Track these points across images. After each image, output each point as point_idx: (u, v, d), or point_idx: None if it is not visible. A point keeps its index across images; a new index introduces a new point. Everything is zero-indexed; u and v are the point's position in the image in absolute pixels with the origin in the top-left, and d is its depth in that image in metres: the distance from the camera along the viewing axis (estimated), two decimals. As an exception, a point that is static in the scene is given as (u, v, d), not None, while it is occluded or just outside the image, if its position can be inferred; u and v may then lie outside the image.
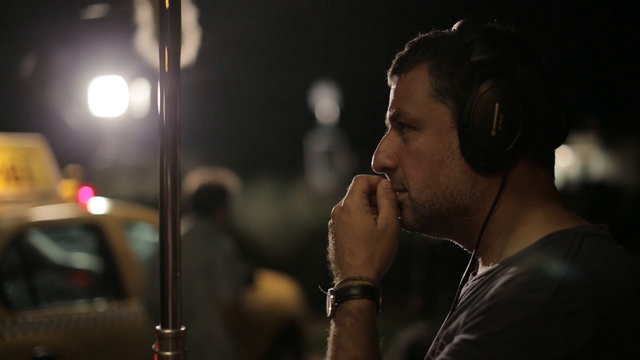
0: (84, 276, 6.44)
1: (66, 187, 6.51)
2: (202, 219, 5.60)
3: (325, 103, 25.87)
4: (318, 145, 25.26)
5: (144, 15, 7.83)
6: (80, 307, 5.91)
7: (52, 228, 6.32)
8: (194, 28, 8.08)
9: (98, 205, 6.54)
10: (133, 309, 6.07)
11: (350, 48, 25.22)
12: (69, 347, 5.50)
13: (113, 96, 14.02)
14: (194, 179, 5.79)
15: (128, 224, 6.68)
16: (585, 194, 19.70)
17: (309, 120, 25.73)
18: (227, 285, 5.40)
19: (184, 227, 5.52)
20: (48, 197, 6.35)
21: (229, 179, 5.81)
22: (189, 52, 8.04)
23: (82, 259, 6.56)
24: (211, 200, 5.62)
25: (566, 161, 26.82)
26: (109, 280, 6.28)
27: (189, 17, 7.96)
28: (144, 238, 7.01)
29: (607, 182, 24.13)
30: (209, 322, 5.42)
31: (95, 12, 11.22)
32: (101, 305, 6.02)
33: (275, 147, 23.97)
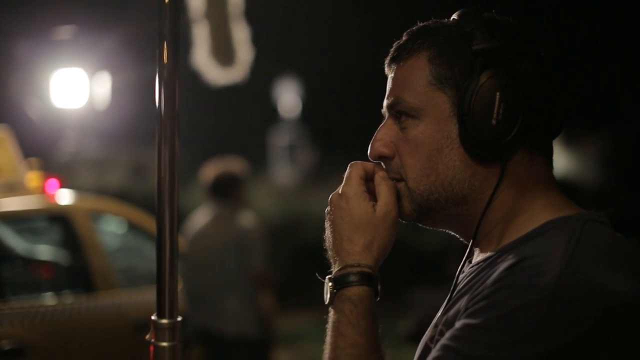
0: (50, 268, 6.37)
1: (33, 178, 6.45)
2: (223, 203, 6.43)
3: (288, 97, 25.82)
4: (280, 139, 25.22)
5: (201, 31, 7.90)
6: (47, 300, 5.85)
7: (18, 219, 6.26)
8: (247, 46, 8.15)
9: (65, 197, 6.49)
10: (100, 302, 6.03)
11: (312, 42, 25.19)
12: (35, 340, 5.45)
13: (74, 88, 13.91)
14: (209, 170, 6.57)
15: (95, 216, 6.63)
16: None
17: (271, 114, 25.66)
18: (260, 255, 6.30)
19: (206, 213, 6.51)
20: (14, 188, 6.27)
21: (239, 165, 6.63)
22: (239, 70, 8.18)
23: (48, 251, 6.49)
24: (228, 186, 6.43)
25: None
26: (76, 272, 6.22)
27: (242, 35, 8.08)
28: (111, 230, 6.97)
29: (568, 179, 24.31)
30: (245, 293, 6.27)
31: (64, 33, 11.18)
32: (68, 298, 5.97)
33: (237, 141, 23.88)
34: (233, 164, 6.62)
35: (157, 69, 1.68)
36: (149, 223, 6.71)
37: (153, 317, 1.70)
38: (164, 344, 1.69)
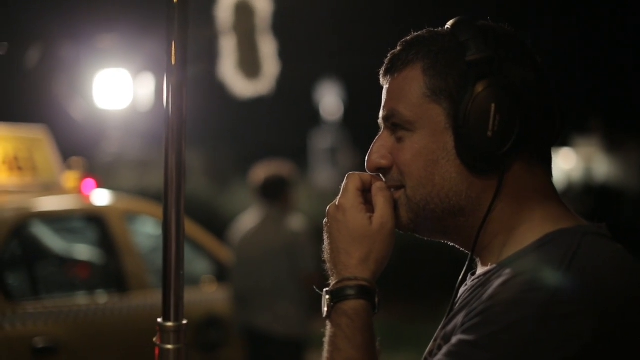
0: (85, 268, 6.43)
1: (69, 179, 6.50)
2: (272, 205, 6.46)
3: (330, 100, 25.86)
4: (322, 142, 25.25)
5: (228, 43, 7.97)
6: (81, 299, 5.90)
7: (54, 219, 6.32)
8: (273, 60, 8.27)
9: (100, 197, 6.54)
10: (133, 302, 6.06)
11: (355, 45, 25.18)
12: (68, 339, 5.49)
13: (118, 89, 14.03)
14: (259, 172, 6.60)
15: (130, 217, 6.67)
16: (588, 197, 19.69)
17: (313, 117, 25.70)
18: (310, 258, 6.31)
19: (255, 215, 6.55)
20: (51, 188, 6.34)
21: (288, 168, 6.69)
22: (265, 83, 8.31)
23: (83, 251, 6.55)
24: (277, 188, 6.47)
25: (569, 163, 26.76)
26: (110, 272, 6.27)
27: (268, 48, 8.20)
28: (146, 231, 7.00)
29: (610, 184, 24.11)
30: (295, 295, 6.30)
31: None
32: (102, 297, 6.02)
33: (279, 143, 23.95)
34: (282, 167, 6.67)
35: (165, 72, 1.68)
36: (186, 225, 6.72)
37: (159, 320, 1.70)
38: (169, 346, 1.69)
